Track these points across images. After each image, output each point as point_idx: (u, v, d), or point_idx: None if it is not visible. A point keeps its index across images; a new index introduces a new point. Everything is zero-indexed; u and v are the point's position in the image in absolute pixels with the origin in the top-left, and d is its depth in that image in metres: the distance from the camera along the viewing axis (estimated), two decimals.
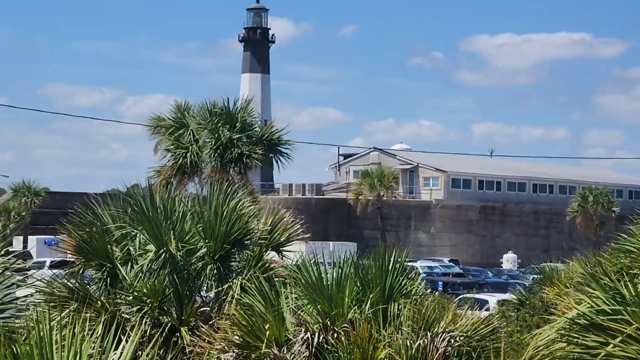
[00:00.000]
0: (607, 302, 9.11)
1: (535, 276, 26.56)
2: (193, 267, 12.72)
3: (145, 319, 12.02)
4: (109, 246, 12.69)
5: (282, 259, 13.64)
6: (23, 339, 7.02)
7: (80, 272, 12.81)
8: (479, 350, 10.45)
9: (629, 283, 9.24)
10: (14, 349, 6.91)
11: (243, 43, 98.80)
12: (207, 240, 12.70)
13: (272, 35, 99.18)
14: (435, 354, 10.09)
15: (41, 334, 6.89)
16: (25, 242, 59.94)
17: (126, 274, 12.49)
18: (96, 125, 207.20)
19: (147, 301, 12.15)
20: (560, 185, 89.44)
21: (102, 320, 10.19)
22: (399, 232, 77.27)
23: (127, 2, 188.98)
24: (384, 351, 10.07)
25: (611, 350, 8.77)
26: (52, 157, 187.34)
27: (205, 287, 12.96)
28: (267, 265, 13.11)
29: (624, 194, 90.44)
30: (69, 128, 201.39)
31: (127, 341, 7.11)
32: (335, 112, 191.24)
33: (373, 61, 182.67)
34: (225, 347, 10.73)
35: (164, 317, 12.31)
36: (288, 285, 11.45)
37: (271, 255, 13.62)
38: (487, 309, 25.68)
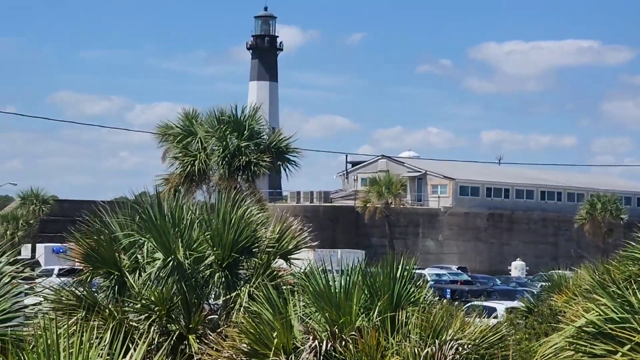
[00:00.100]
0: (615, 310, 9.08)
1: (544, 284, 26.52)
2: (201, 275, 12.72)
3: (153, 327, 12.02)
4: (117, 254, 12.71)
5: (290, 266, 13.63)
6: (31, 347, 7.03)
7: (88, 280, 12.84)
8: (487, 358, 10.42)
9: (637, 291, 9.22)
10: (22, 357, 6.92)
11: (251, 51, 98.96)
12: (215, 248, 12.70)
13: (280, 43, 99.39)
14: None
15: (49, 342, 6.90)
16: (33, 250, 59.99)
17: (134, 281, 12.50)
18: (104, 134, 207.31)
19: (155, 309, 12.16)
20: (568, 192, 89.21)
21: (110, 328, 10.21)
22: (407, 239, 77.16)
23: (135, 11, 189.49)
24: (392, 359, 10.06)
25: (619, 358, 8.75)
26: (60, 165, 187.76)
27: (213, 295, 12.96)
28: (275, 273, 13.11)
29: (632, 201, 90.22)
30: (77, 136, 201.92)
31: (135, 349, 7.13)
32: (343, 119, 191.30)
33: (381, 69, 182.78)
34: (233, 355, 10.73)
35: (172, 325, 12.31)
36: (296, 293, 11.43)
37: (279, 263, 13.62)
38: (495, 317, 25.59)
